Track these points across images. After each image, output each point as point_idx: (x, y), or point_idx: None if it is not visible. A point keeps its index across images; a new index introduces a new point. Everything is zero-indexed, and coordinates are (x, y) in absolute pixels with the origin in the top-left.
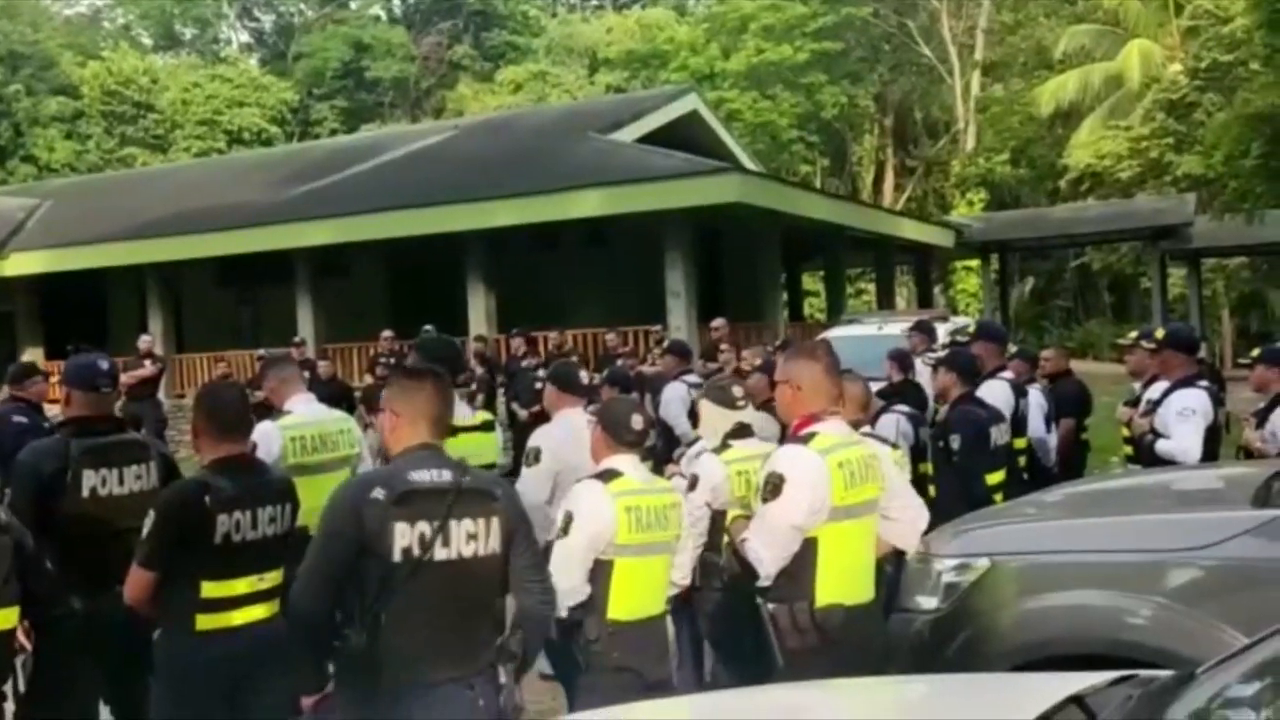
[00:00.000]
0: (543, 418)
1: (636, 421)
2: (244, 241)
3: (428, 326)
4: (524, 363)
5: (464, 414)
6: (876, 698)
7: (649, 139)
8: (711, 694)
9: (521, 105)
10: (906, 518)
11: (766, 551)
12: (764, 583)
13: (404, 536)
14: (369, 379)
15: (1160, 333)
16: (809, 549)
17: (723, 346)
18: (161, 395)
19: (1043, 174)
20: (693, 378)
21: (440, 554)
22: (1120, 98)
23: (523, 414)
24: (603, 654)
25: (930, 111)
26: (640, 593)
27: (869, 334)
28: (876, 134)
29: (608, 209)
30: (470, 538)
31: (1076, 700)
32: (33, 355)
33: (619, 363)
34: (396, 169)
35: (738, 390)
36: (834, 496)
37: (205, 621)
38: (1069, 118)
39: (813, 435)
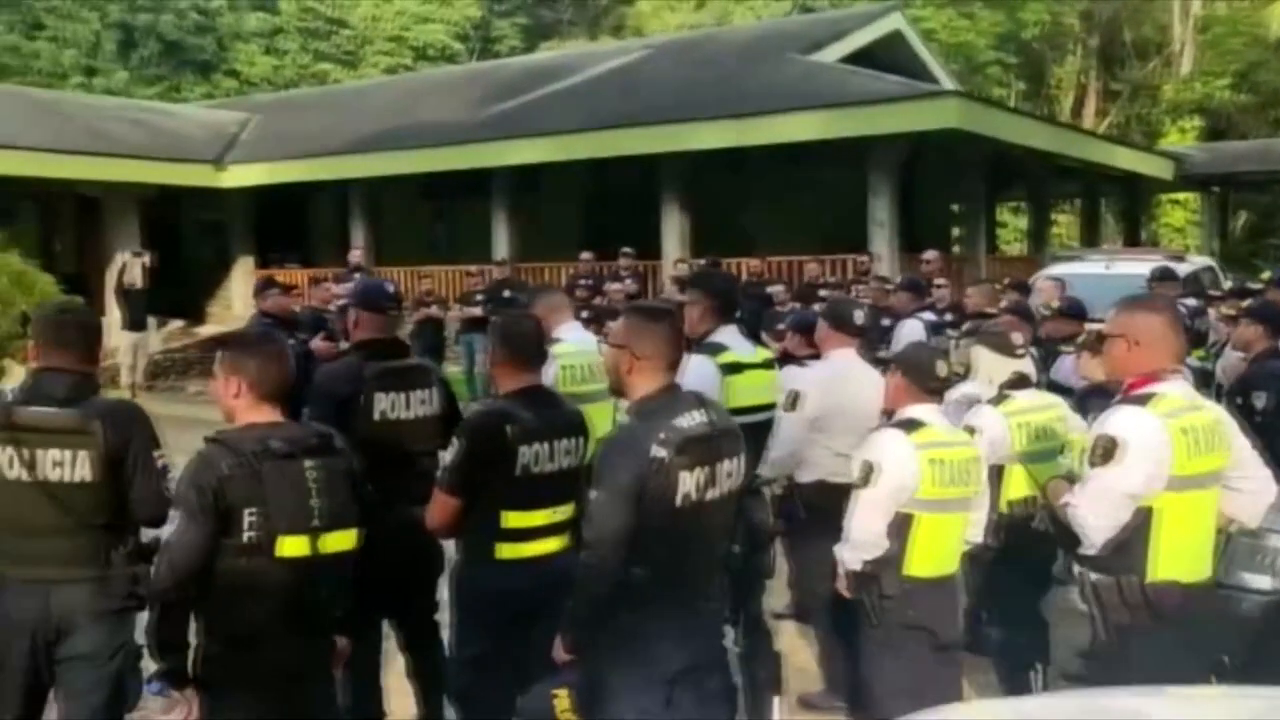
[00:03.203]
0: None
1: (941, 368)
2: (445, 159)
3: (626, 249)
4: None
5: (746, 350)
6: None
7: (850, 60)
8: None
9: (704, 24)
10: (1251, 489)
11: (1095, 519)
12: (1088, 551)
13: (685, 484)
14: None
15: None
16: (1145, 520)
17: (937, 281)
18: None
19: (1267, 101)
20: (929, 315)
21: (710, 495)
22: None
23: None
24: (897, 610)
25: (1142, 31)
26: (939, 550)
27: (1097, 272)
28: (1080, 55)
29: (819, 133)
30: (728, 475)
31: None
32: (243, 264)
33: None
34: (591, 89)
35: (1017, 337)
36: (1175, 465)
37: (505, 551)
38: None
39: (1151, 396)
